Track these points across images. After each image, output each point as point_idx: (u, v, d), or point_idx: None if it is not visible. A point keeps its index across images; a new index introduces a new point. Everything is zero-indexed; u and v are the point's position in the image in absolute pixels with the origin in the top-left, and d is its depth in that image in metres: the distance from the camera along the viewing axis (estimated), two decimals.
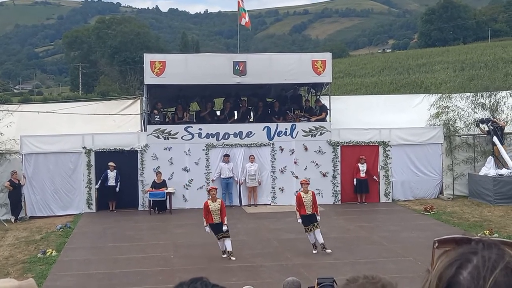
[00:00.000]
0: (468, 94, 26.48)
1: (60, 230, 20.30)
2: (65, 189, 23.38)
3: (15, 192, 22.64)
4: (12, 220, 22.31)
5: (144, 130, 24.38)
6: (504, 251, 1.40)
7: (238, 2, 28.66)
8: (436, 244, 1.48)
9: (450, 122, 25.41)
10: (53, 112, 25.32)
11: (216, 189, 16.98)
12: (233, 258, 15.92)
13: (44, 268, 15.62)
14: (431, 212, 22.05)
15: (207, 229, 16.07)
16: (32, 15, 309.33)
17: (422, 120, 25.74)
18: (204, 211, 16.14)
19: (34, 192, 23.10)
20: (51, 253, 16.96)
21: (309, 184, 17.16)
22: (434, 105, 25.74)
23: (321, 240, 16.32)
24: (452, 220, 20.74)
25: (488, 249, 1.40)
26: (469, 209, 22.74)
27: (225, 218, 16.10)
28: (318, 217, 16.41)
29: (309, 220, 16.27)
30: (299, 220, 16.41)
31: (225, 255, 16.07)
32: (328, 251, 16.26)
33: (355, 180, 24.32)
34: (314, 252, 16.32)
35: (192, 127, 24.14)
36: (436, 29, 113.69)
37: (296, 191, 23.88)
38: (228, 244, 16.08)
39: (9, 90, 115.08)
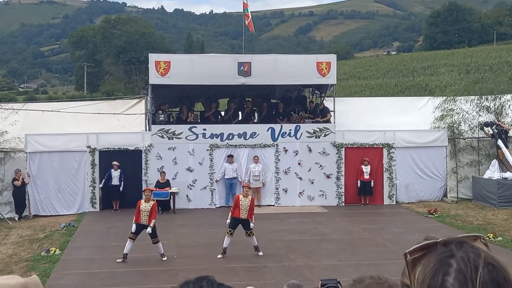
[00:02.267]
0: (472, 97, 26.43)
1: (64, 228, 20.34)
2: (69, 188, 23.42)
3: (19, 191, 22.67)
4: (16, 218, 22.35)
5: (149, 130, 24.41)
6: (474, 246, 1.40)
7: (244, 3, 28.68)
8: (408, 256, 1.47)
9: (455, 125, 25.39)
10: (58, 111, 25.36)
11: (151, 190, 16.77)
12: (165, 259, 15.93)
13: (47, 267, 15.64)
14: (435, 215, 22.03)
15: (134, 227, 15.93)
16: (38, 14, 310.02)
17: (427, 122, 25.74)
18: (136, 210, 16.14)
19: (38, 191, 23.14)
20: (55, 251, 16.98)
21: (250, 189, 17.02)
22: (438, 107, 25.74)
23: (254, 243, 16.29)
24: (455, 223, 20.71)
25: (461, 248, 1.40)
26: (473, 212, 22.71)
27: (153, 220, 15.93)
28: (252, 224, 16.21)
29: (238, 224, 16.10)
30: (228, 221, 16.22)
31: (119, 260, 15.84)
32: (260, 253, 16.21)
33: (358, 182, 24.32)
34: (219, 256, 16.12)
35: (196, 127, 24.15)
36: (441, 32, 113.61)
37: (300, 193, 24.02)
38: (159, 247, 16.03)
39: (14, 89, 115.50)
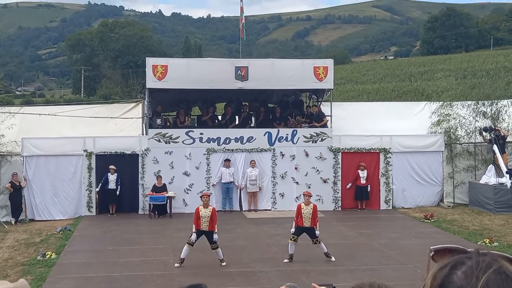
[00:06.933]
0: (469, 102, 26.48)
1: (60, 232, 20.30)
2: (65, 192, 23.37)
3: (16, 194, 22.62)
4: (12, 222, 22.30)
5: (146, 134, 24.40)
6: (498, 258, 1.43)
7: (241, 7, 28.72)
8: (432, 253, 1.49)
9: (451, 130, 25.43)
10: (55, 115, 25.34)
11: (208, 196, 16.62)
12: (224, 264, 15.74)
13: (43, 271, 15.60)
14: (431, 220, 22.04)
15: (194, 236, 15.69)
16: (35, 17, 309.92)
17: (423, 127, 25.77)
18: (195, 217, 15.89)
19: (34, 196, 23.07)
20: (51, 255, 16.94)
21: (311, 196, 16.90)
22: (435, 112, 25.78)
23: (324, 250, 16.21)
24: (452, 228, 20.72)
25: (482, 255, 1.43)
26: (469, 217, 22.73)
27: (216, 226, 15.82)
28: (317, 232, 16.15)
29: (302, 232, 16.06)
30: (293, 230, 16.13)
31: (177, 264, 15.76)
32: (333, 259, 16.17)
33: (349, 185, 24.31)
34: (285, 261, 16.11)
35: (193, 131, 24.15)
36: (438, 36, 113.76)
37: (297, 198, 24.00)
38: (219, 252, 15.82)
39: (11, 92, 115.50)
